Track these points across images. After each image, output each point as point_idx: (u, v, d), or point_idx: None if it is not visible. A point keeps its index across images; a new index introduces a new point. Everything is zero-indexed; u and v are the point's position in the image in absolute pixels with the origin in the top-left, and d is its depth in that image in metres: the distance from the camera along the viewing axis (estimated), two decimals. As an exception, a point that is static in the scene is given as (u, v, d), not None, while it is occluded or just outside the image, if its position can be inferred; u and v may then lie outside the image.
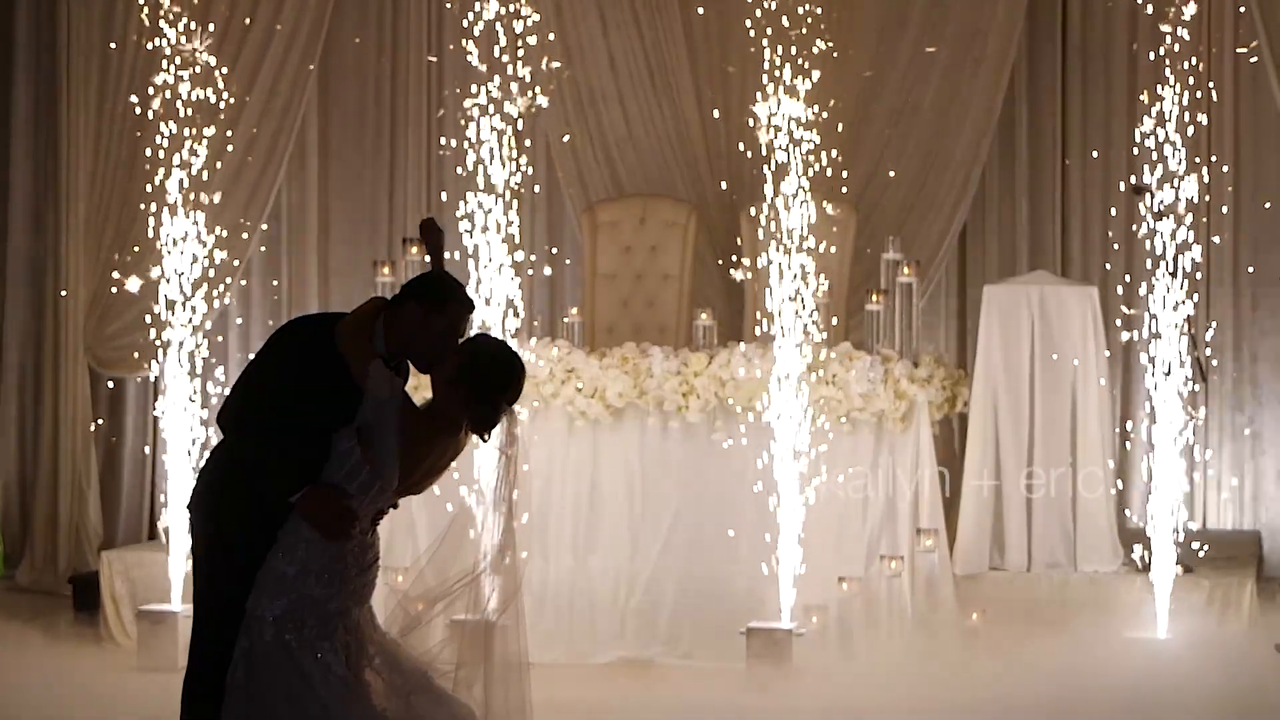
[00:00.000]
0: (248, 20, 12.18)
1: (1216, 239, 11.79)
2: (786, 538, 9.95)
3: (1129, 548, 10.43)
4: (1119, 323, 11.06)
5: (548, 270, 12.02)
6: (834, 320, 10.72)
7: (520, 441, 6.26)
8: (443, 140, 10.98)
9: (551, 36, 11.54)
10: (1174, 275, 10.17)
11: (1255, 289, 12.04)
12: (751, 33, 10.49)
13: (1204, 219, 11.45)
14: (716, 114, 12.02)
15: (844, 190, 11.06)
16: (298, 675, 6.01)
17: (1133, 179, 10.41)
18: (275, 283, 12.89)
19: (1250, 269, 12.02)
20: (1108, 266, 11.87)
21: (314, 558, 6.05)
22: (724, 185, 11.95)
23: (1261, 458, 12.03)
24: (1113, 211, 11.96)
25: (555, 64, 11.38)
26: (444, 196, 10.60)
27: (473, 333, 6.33)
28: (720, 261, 11.71)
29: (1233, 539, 11.60)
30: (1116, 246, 11.88)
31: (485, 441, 6.17)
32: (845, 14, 11.79)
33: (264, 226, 12.42)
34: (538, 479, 10.36)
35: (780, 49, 10.24)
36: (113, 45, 12.21)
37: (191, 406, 10.68)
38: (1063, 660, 9.44)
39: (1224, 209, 11.89)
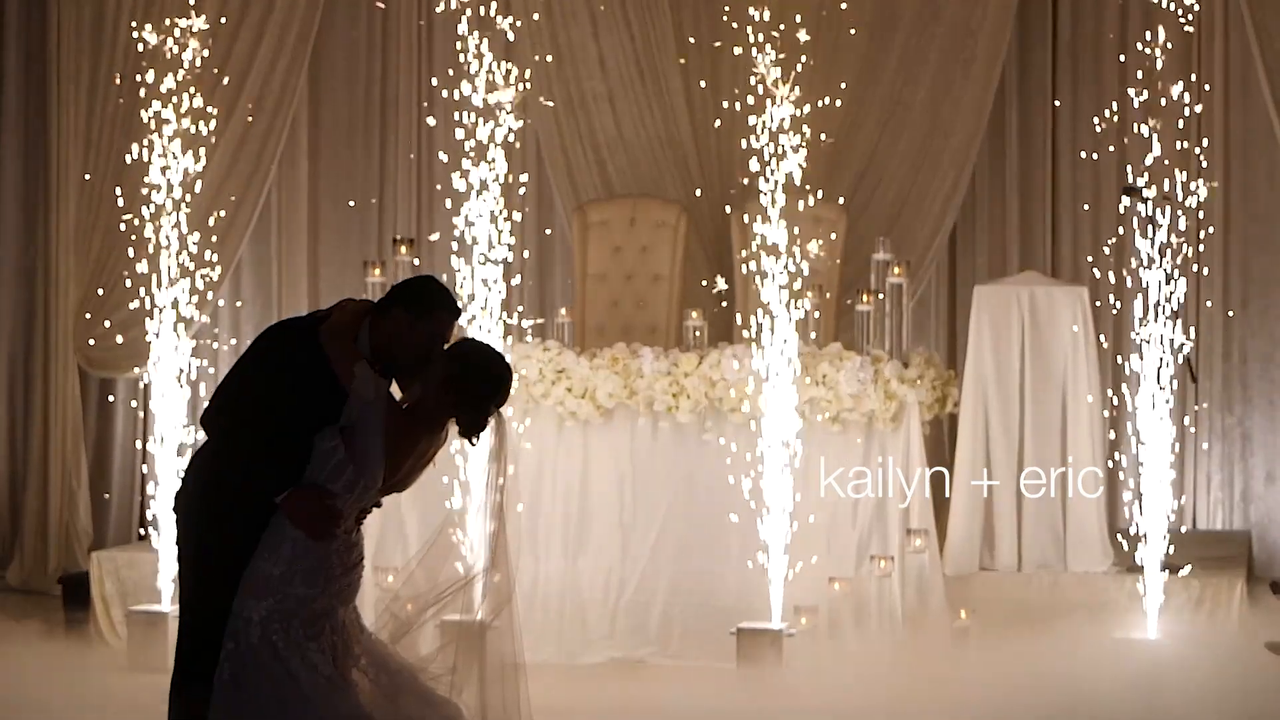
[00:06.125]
0: (233, 20, 12.17)
1: (1206, 238, 11.80)
2: (776, 538, 9.96)
3: (1119, 548, 10.45)
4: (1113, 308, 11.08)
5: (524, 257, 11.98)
6: (819, 318, 10.72)
7: (509, 443, 6.27)
8: (432, 122, 10.92)
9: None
10: (1166, 281, 10.19)
11: (1245, 289, 12.05)
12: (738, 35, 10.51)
13: (1194, 219, 11.46)
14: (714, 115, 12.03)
15: (827, 183, 11.08)
16: (284, 675, 6.01)
17: (1129, 189, 10.40)
18: (265, 283, 12.89)
19: (1240, 269, 12.04)
20: (1095, 273, 11.89)
21: (299, 558, 6.05)
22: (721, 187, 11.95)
23: (1251, 458, 12.04)
24: (1103, 213, 11.97)
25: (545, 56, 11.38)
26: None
27: (459, 337, 6.34)
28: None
29: (1223, 539, 11.61)
30: (1107, 251, 11.88)
31: (474, 445, 6.19)
32: (835, 14, 11.79)
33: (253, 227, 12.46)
34: (528, 480, 10.37)
35: (771, 49, 10.26)
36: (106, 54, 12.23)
37: (181, 407, 10.71)
38: (1052, 661, 9.44)
39: (1213, 209, 11.90)
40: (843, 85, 11.41)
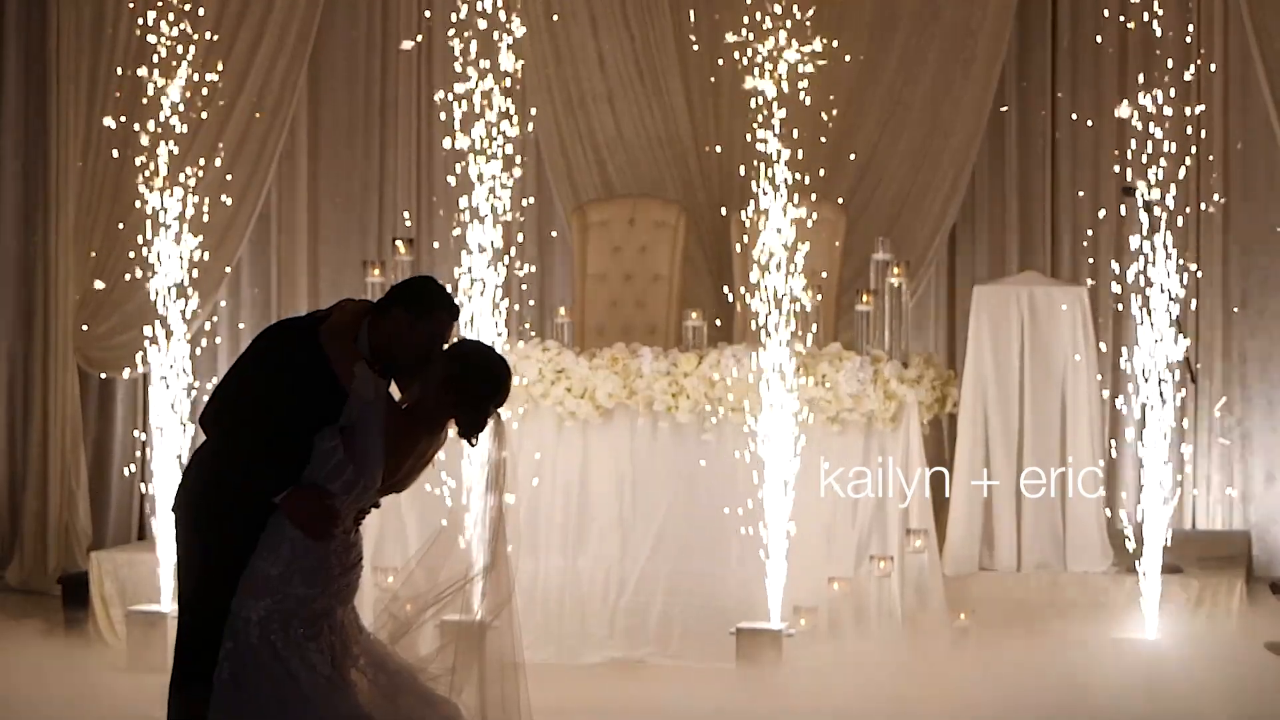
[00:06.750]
0: (233, 20, 12.17)
1: (1206, 239, 11.80)
2: (776, 538, 9.96)
3: (1118, 548, 10.45)
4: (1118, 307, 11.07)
5: (532, 266, 11.98)
6: (814, 319, 10.70)
7: (508, 444, 6.27)
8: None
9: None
10: (1164, 277, 10.18)
11: (1245, 289, 12.05)
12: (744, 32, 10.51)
13: (1194, 219, 11.47)
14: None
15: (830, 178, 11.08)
16: (283, 675, 6.02)
17: (1127, 189, 10.41)
18: (264, 283, 12.89)
19: (1240, 269, 12.04)
20: (1090, 261, 11.90)
21: (298, 558, 6.05)
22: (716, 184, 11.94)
23: (1250, 458, 12.04)
24: (1101, 213, 11.97)
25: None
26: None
27: (459, 338, 6.34)
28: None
29: (1222, 539, 11.61)
30: (1102, 244, 11.89)
31: (473, 445, 6.19)
32: (835, 14, 11.79)
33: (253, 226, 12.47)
34: (527, 480, 10.37)
35: (769, 50, 10.27)
36: (106, 45, 12.23)
37: (180, 406, 10.72)
38: (1051, 661, 9.44)
39: (1212, 210, 11.91)
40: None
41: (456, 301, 6.32)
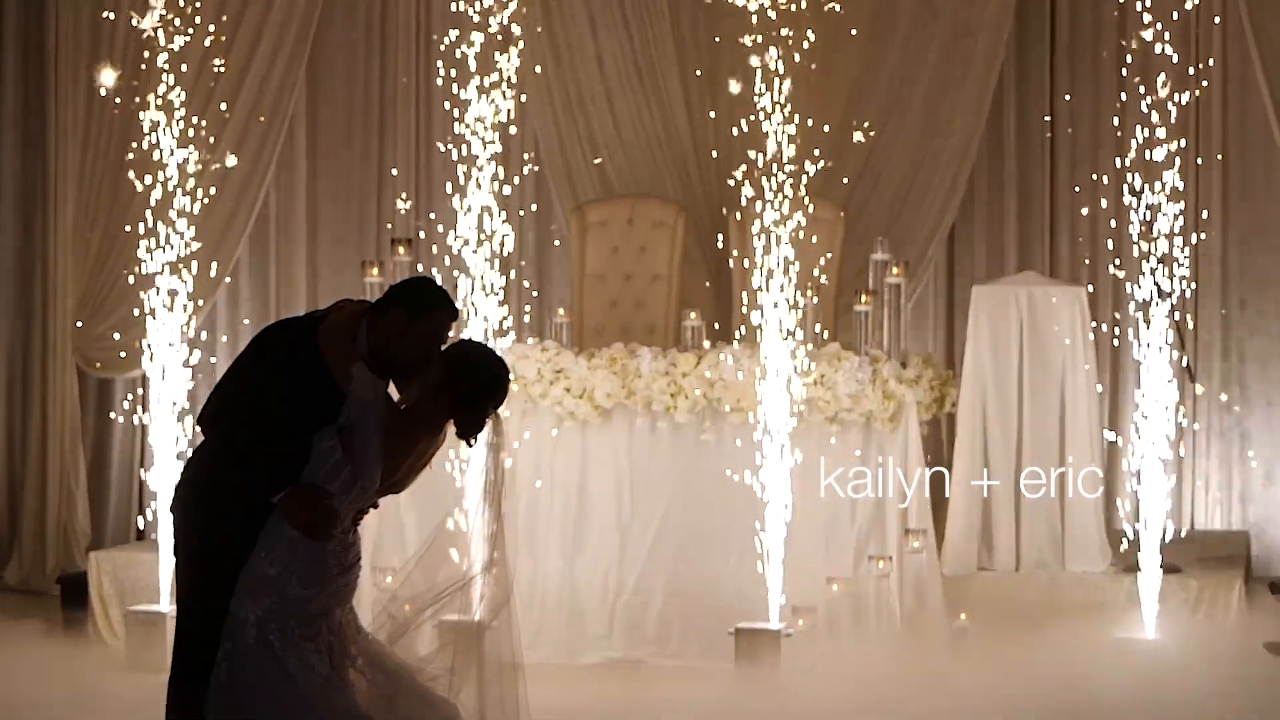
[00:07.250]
0: (232, 20, 12.17)
1: (1204, 238, 11.80)
2: (774, 538, 9.96)
3: (1117, 548, 10.45)
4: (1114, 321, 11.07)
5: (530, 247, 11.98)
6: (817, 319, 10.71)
7: (506, 445, 6.27)
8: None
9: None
10: (1165, 284, 10.18)
11: (1242, 289, 12.05)
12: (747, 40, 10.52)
13: (1192, 219, 11.46)
14: (711, 115, 12.02)
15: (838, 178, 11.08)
16: (281, 676, 6.01)
17: (1124, 188, 10.41)
18: (264, 283, 12.88)
19: (1239, 269, 12.04)
20: (1086, 261, 11.89)
21: (296, 558, 6.05)
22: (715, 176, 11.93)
23: (1249, 458, 12.03)
24: (1100, 202, 11.97)
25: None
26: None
27: (456, 338, 6.34)
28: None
29: (1221, 539, 11.61)
30: (1111, 244, 11.89)
31: (471, 446, 6.19)
32: (834, 14, 11.79)
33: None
34: (526, 480, 10.37)
35: (769, 49, 10.27)
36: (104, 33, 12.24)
37: (179, 406, 10.72)
38: (1050, 661, 9.44)
39: (1211, 209, 11.91)
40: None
41: (455, 302, 6.32)
